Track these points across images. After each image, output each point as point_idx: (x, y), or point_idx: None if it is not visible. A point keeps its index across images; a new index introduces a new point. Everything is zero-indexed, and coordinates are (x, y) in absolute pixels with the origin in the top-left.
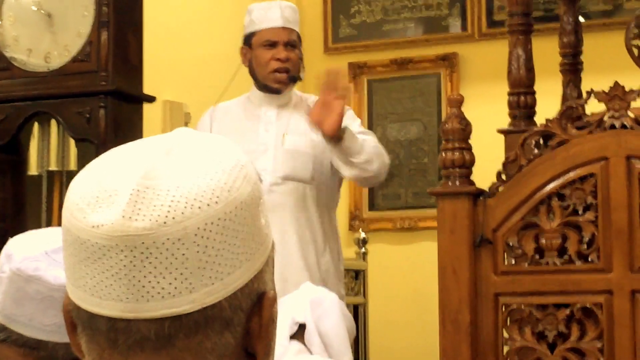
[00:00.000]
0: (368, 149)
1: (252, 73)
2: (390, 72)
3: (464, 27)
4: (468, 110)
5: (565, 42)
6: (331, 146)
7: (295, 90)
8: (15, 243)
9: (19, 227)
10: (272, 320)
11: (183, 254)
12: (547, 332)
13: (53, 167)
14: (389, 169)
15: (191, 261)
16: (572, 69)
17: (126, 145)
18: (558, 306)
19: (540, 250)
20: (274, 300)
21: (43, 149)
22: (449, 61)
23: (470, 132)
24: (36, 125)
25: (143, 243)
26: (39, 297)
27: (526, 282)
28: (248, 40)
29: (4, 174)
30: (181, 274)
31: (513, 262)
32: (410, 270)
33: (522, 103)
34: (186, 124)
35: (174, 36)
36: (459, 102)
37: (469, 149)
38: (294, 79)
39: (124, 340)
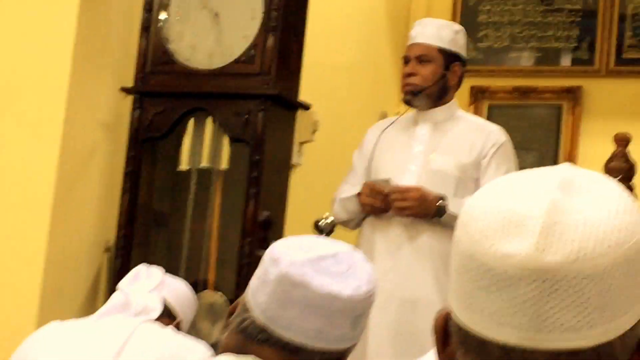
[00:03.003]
0: None
1: None
2: (512, 99)
3: (591, 61)
4: (587, 145)
5: None
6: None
7: (459, 109)
8: (279, 248)
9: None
10: None
11: (589, 291)
12: None
13: (204, 164)
14: None
15: (595, 298)
16: None
17: (514, 175)
18: None
19: None
20: None
21: (196, 145)
22: (572, 94)
23: (634, 172)
24: (192, 121)
25: (554, 276)
26: (304, 303)
27: None
28: None
29: (155, 166)
30: (585, 309)
31: None
32: None
33: None
34: (313, 132)
35: (308, 39)
36: (625, 140)
37: (631, 189)
38: (414, 93)
39: None
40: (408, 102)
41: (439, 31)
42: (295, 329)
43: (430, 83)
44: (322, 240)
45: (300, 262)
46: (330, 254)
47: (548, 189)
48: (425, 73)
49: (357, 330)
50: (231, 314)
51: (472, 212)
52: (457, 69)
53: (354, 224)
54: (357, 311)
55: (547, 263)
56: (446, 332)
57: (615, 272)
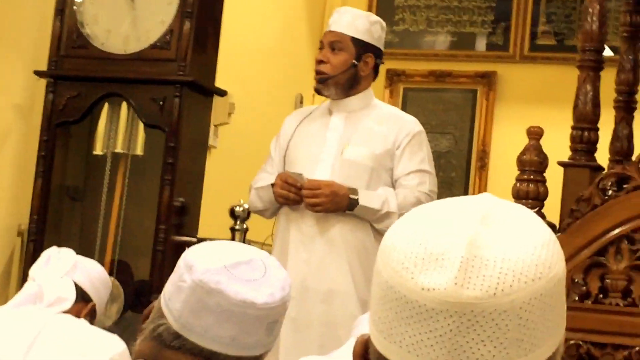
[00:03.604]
0: (394, 218)
1: None
2: (428, 83)
3: (506, 46)
4: (501, 130)
5: (622, 79)
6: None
7: (375, 99)
8: (194, 254)
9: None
10: None
11: (506, 325)
12: None
13: (119, 149)
14: None
15: (512, 332)
16: (626, 106)
17: (435, 204)
18: (616, 347)
19: (604, 290)
20: None
21: (110, 130)
22: (487, 79)
23: (547, 165)
24: (106, 106)
25: (472, 311)
26: (218, 310)
27: (588, 319)
28: None
29: (68, 151)
30: (501, 343)
31: (576, 298)
32: None
33: (585, 138)
34: (229, 114)
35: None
36: (538, 134)
37: (543, 181)
38: (321, 80)
39: None
40: (318, 91)
41: (354, 20)
42: (210, 336)
43: (338, 71)
44: (236, 245)
45: (215, 269)
46: (244, 260)
47: (468, 221)
48: (335, 61)
49: (271, 337)
50: (145, 319)
51: (393, 241)
52: (370, 59)
53: (269, 213)
54: (271, 318)
55: (466, 298)
56: (365, 358)
57: (532, 306)
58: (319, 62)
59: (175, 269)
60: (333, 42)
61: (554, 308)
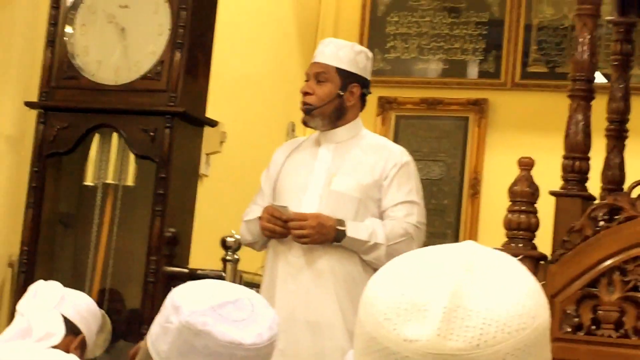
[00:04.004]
0: (381, 250)
1: None
2: (420, 110)
3: (497, 74)
4: (492, 157)
5: (613, 108)
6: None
7: (363, 129)
8: (181, 295)
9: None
10: None
11: None
12: None
13: (110, 180)
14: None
15: None
16: (617, 135)
17: (418, 253)
18: None
19: (596, 322)
20: None
21: (101, 161)
22: (479, 106)
23: (538, 196)
24: (97, 136)
25: None
26: (206, 352)
27: (580, 351)
28: None
29: (60, 181)
30: None
31: (569, 329)
32: None
33: (576, 168)
34: (221, 143)
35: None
36: (529, 165)
37: (534, 212)
38: (307, 111)
39: None
40: (305, 123)
41: (338, 51)
42: None
43: (324, 102)
44: (222, 285)
45: (201, 310)
46: (231, 300)
47: (451, 271)
48: (321, 92)
49: None
50: (132, 359)
51: (376, 292)
52: (356, 89)
53: (259, 245)
54: (259, 358)
55: (449, 349)
56: None
57: (515, 357)
58: (305, 93)
59: (162, 309)
60: (318, 74)
61: (539, 358)
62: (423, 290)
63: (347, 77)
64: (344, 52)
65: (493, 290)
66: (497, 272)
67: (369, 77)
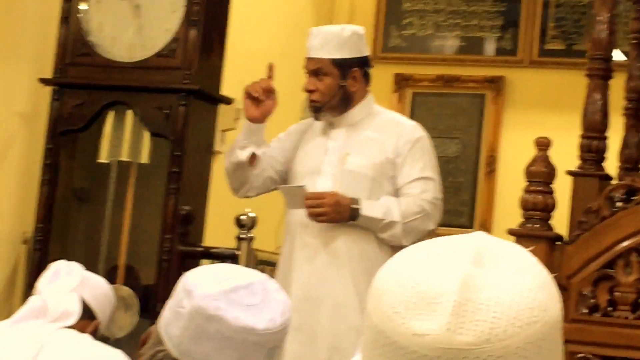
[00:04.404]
0: (397, 227)
1: None
2: (436, 87)
3: (514, 51)
4: (509, 135)
5: (632, 86)
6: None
7: (375, 106)
8: (193, 279)
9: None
10: None
11: None
12: None
13: (124, 157)
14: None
15: None
16: (635, 114)
17: (427, 245)
18: None
19: (613, 303)
20: None
21: (116, 138)
22: (495, 84)
23: (554, 176)
24: (111, 114)
25: (465, 357)
26: (218, 337)
27: (596, 332)
28: None
29: (74, 159)
30: None
31: (585, 311)
32: None
33: (593, 148)
34: (236, 120)
35: (231, 31)
36: (546, 145)
37: (551, 193)
38: (317, 109)
39: None
40: (317, 119)
41: (329, 42)
42: None
43: (329, 97)
44: (235, 269)
45: (214, 294)
46: (243, 284)
47: (460, 263)
48: (323, 88)
49: None
50: (143, 344)
51: (384, 284)
52: (357, 74)
53: (238, 182)
54: (272, 343)
55: (458, 343)
56: None
57: (527, 351)
58: (309, 91)
59: (174, 293)
60: (315, 70)
61: (551, 352)
62: (432, 284)
63: (344, 66)
64: (334, 41)
65: (504, 281)
66: (508, 264)
67: (366, 53)
